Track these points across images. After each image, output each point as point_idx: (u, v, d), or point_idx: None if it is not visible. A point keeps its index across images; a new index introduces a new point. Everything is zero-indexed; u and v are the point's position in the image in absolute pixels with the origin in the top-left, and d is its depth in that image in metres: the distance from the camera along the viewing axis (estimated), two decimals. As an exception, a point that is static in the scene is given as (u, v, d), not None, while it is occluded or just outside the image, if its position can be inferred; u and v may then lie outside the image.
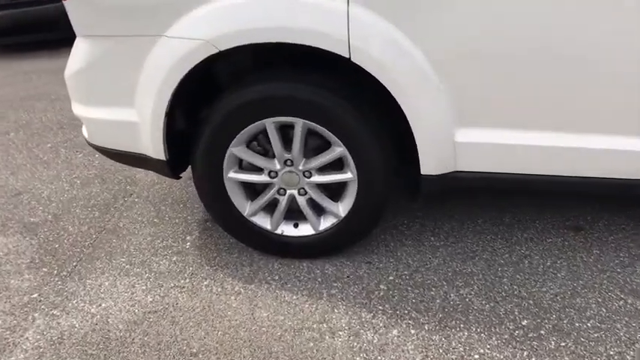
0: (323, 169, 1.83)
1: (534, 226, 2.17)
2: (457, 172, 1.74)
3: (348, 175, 1.79)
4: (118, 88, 1.79)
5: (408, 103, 1.59)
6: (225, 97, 1.72)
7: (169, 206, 2.48)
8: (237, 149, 1.79)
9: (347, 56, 1.53)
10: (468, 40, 1.50)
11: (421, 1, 1.47)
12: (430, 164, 1.70)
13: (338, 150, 1.74)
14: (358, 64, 1.54)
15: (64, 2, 1.72)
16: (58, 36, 6.15)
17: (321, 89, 1.63)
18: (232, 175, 1.85)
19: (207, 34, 1.57)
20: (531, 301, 1.77)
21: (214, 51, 1.58)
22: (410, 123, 1.62)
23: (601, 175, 1.63)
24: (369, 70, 1.55)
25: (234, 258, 2.06)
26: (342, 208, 1.87)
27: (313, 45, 1.53)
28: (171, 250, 2.13)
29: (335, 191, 1.91)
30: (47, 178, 2.88)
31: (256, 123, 1.71)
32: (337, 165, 1.83)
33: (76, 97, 1.91)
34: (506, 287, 1.84)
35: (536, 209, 2.29)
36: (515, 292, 1.81)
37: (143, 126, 1.80)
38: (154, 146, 1.82)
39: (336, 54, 1.55)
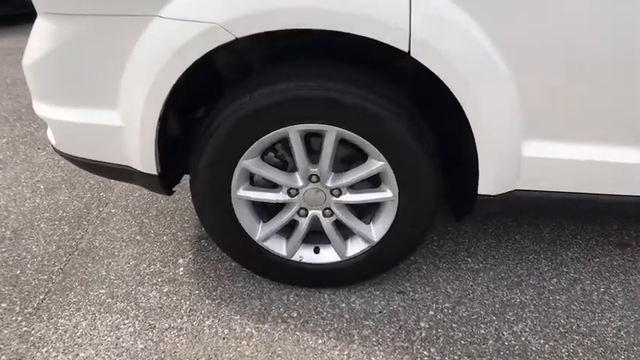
0: (354, 186, 1.47)
1: (577, 243, 1.89)
2: (517, 190, 1.42)
3: (386, 194, 1.44)
4: (95, 84, 1.36)
5: (476, 111, 1.24)
6: (236, 97, 1.32)
7: (154, 219, 2.06)
8: (250, 162, 1.40)
9: (405, 50, 1.17)
10: (552, 32, 1.16)
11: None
12: (490, 183, 1.37)
13: (377, 165, 1.38)
14: (419, 60, 1.18)
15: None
16: (8, 12, 5.46)
17: (369, 92, 1.26)
18: (243, 193, 1.46)
19: (218, 15, 1.16)
20: (594, 339, 1.49)
21: (228, 39, 1.18)
22: (474, 134, 1.28)
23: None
24: (432, 69, 1.19)
25: (239, 288, 1.68)
26: (376, 231, 1.52)
27: (363, 34, 1.15)
28: (161, 278, 1.73)
29: (363, 210, 1.56)
30: (4, 182, 2.39)
31: (277, 131, 1.32)
32: (369, 180, 1.47)
33: (38, 93, 1.46)
34: (562, 321, 1.55)
35: (574, 222, 2.01)
36: (574, 327, 1.52)
37: (129, 132, 1.38)
38: (142, 157, 1.41)
39: (390, 46, 1.18)
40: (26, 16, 4.93)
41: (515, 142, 1.32)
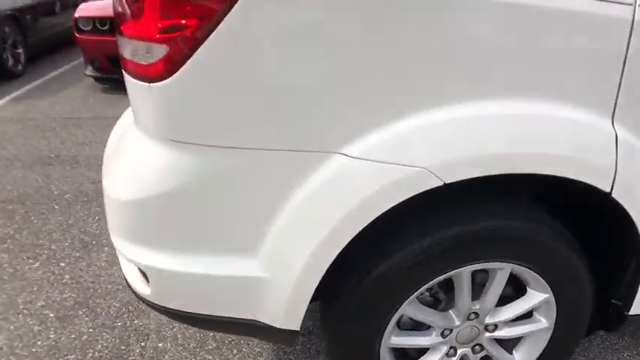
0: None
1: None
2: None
3: (542, 324, 1.28)
4: (232, 228, 1.05)
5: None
6: (411, 240, 1.08)
7: (217, 355, 1.67)
8: (411, 307, 1.16)
9: (607, 190, 1.05)
10: None
11: None
12: (641, 304, 1.28)
13: (542, 297, 1.22)
14: (619, 200, 1.06)
15: (151, 86, 0.95)
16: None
17: (543, 223, 1.13)
18: (395, 340, 1.20)
19: (429, 158, 0.95)
20: None
21: (435, 184, 0.97)
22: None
23: None
24: (629, 209, 1.07)
25: None
26: (521, 360, 1.34)
27: (567, 176, 1.02)
28: None
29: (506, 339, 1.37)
30: (-6, 311, 1.83)
31: (453, 271, 1.11)
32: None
33: (142, 235, 1.10)
34: None
35: None
36: None
37: (273, 284, 1.08)
38: (286, 312, 1.11)
39: (588, 186, 1.05)
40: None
41: None
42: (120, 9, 1.00)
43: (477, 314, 1.24)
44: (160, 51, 0.90)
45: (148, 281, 1.17)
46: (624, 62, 0.97)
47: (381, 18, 0.88)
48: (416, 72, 0.93)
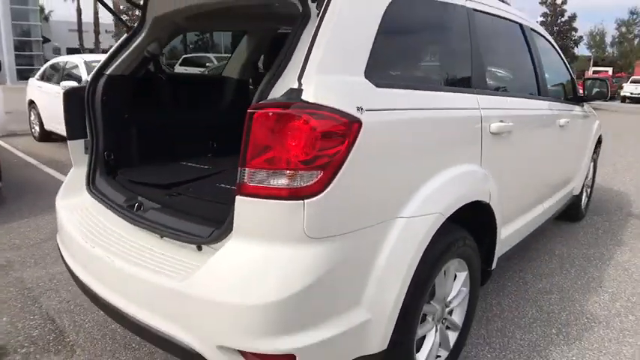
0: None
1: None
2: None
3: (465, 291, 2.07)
4: (345, 293, 1.42)
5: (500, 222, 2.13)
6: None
7: None
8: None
9: (488, 201, 1.94)
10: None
11: None
12: (495, 261, 2.25)
13: (465, 274, 2.01)
14: (492, 206, 1.98)
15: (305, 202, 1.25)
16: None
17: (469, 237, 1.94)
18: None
19: (440, 206, 1.62)
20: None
21: (442, 220, 1.62)
22: (498, 234, 2.15)
23: None
24: (495, 210, 2.00)
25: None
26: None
27: (481, 199, 1.87)
28: None
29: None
30: None
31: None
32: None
33: (287, 327, 1.30)
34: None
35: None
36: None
37: (375, 320, 1.46)
38: (383, 337, 1.50)
39: (481, 202, 1.93)
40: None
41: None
42: (266, 146, 1.26)
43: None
44: (314, 175, 1.24)
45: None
46: (481, 139, 1.91)
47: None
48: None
